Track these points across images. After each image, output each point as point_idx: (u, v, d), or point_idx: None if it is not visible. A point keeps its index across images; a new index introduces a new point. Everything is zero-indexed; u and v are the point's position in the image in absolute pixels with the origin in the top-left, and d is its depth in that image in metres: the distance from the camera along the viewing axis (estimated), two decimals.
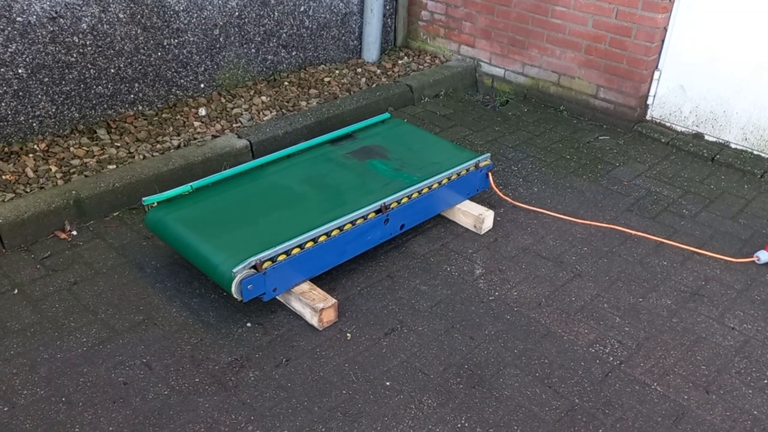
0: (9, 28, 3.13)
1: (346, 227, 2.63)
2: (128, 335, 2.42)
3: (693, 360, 2.42)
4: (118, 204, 3.10)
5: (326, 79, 4.40)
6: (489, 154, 3.22)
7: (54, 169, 3.17)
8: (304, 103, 4.06)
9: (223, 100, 4.01)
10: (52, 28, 3.27)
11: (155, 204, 2.71)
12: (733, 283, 2.81)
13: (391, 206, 2.78)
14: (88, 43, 3.43)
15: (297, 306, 2.53)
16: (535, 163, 3.73)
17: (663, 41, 3.91)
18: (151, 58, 3.71)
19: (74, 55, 3.40)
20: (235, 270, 2.30)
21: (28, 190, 3.00)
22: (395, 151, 3.19)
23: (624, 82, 4.04)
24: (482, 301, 2.67)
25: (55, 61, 3.34)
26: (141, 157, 3.33)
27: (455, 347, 2.43)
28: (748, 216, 3.30)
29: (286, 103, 4.04)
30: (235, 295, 2.34)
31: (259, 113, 3.90)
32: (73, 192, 2.97)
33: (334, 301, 2.50)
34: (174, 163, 3.25)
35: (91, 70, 3.49)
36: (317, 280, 2.68)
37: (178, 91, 3.90)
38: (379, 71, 4.63)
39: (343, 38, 4.69)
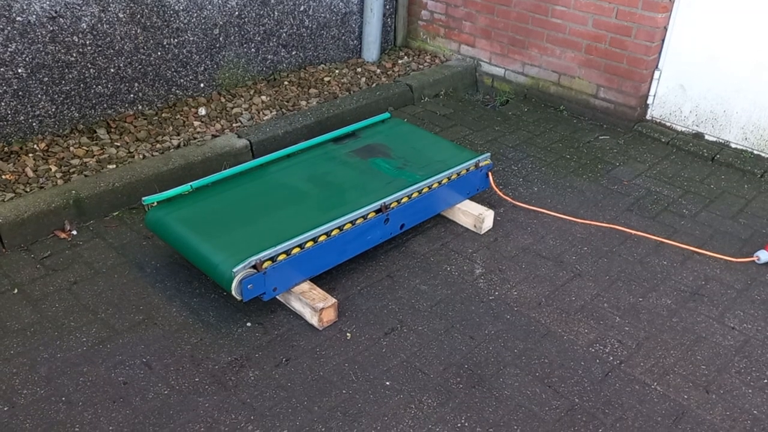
0: (9, 28, 3.13)
1: (346, 227, 2.63)
2: (128, 335, 2.42)
3: (693, 360, 2.42)
4: (118, 204, 3.10)
5: (326, 79, 4.40)
6: (489, 154, 3.22)
7: (54, 168, 3.17)
8: (304, 103, 4.06)
9: (223, 100, 4.01)
10: (51, 28, 3.27)
11: (155, 204, 2.71)
12: (733, 283, 2.81)
13: (391, 206, 2.78)
14: (87, 42, 3.43)
15: (297, 306, 2.53)
16: (535, 162, 3.73)
17: (663, 41, 3.91)
18: (151, 58, 3.71)
19: (74, 55, 3.40)
20: (235, 270, 2.30)
21: (28, 190, 3.00)
22: (398, 150, 3.19)
23: (624, 82, 4.04)
24: (482, 300, 2.66)
25: (55, 61, 3.34)
26: (141, 156, 3.33)
27: (455, 347, 2.43)
28: (748, 216, 3.30)
29: (286, 103, 4.04)
30: (235, 295, 2.34)
31: (259, 113, 3.90)
32: (73, 192, 2.97)
33: (334, 300, 2.49)
34: (174, 162, 3.25)
35: (91, 70, 3.49)
36: (317, 280, 2.68)
37: (177, 91, 3.90)
38: (379, 71, 4.63)
39: (343, 38, 4.69)
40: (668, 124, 4.10)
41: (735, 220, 3.26)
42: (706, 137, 3.96)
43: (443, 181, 2.97)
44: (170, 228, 2.60)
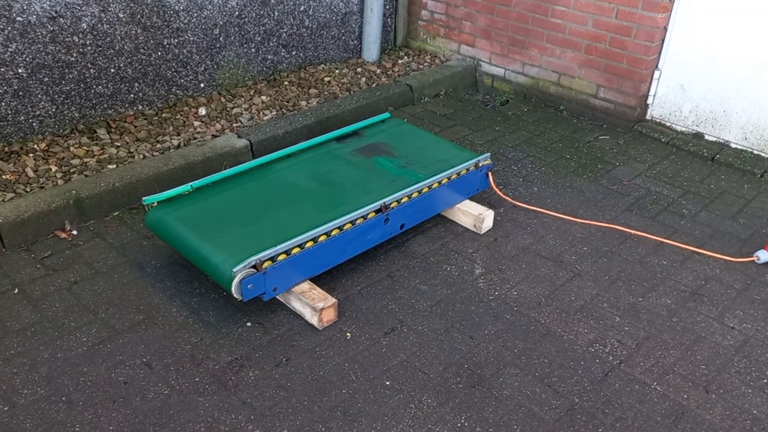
0: (9, 28, 3.13)
1: (346, 227, 2.63)
2: (128, 335, 2.42)
3: (693, 359, 2.42)
4: (118, 204, 3.10)
5: (326, 79, 4.40)
6: (489, 154, 3.23)
7: (54, 168, 3.17)
8: (304, 103, 4.06)
9: (223, 100, 4.01)
10: (52, 28, 3.27)
11: (155, 204, 2.71)
12: (733, 283, 2.81)
13: (391, 206, 2.78)
14: (88, 42, 3.43)
15: (297, 305, 2.53)
16: (535, 162, 3.73)
17: (663, 41, 3.91)
18: (151, 58, 3.71)
19: (74, 55, 3.40)
20: (235, 269, 2.30)
21: (29, 190, 3.00)
22: (400, 149, 3.19)
23: (624, 82, 4.04)
24: (482, 300, 2.67)
25: (55, 61, 3.34)
26: (141, 156, 3.33)
27: (455, 347, 2.43)
28: (747, 216, 3.30)
29: (286, 103, 4.04)
30: (235, 295, 2.34)
31: (259, 113, 3.90)
32: (73, 192, 2.97)
33: (334, 300, 2.50)
34: (174, 162, 3.26)
35: (91, 70, 3.50)
36: (317, 280, 2.68)
37: (178, 91, 3.90)
38: (379, 71, 4.64)
39: (343, 38, 4.69)
40: (668, 124, 4.10)
41: (735, 220, 3.26)
42: (706, 137, 3.97)
43: (443, 181, 2.97)
44: (170, 228, 2.60)
